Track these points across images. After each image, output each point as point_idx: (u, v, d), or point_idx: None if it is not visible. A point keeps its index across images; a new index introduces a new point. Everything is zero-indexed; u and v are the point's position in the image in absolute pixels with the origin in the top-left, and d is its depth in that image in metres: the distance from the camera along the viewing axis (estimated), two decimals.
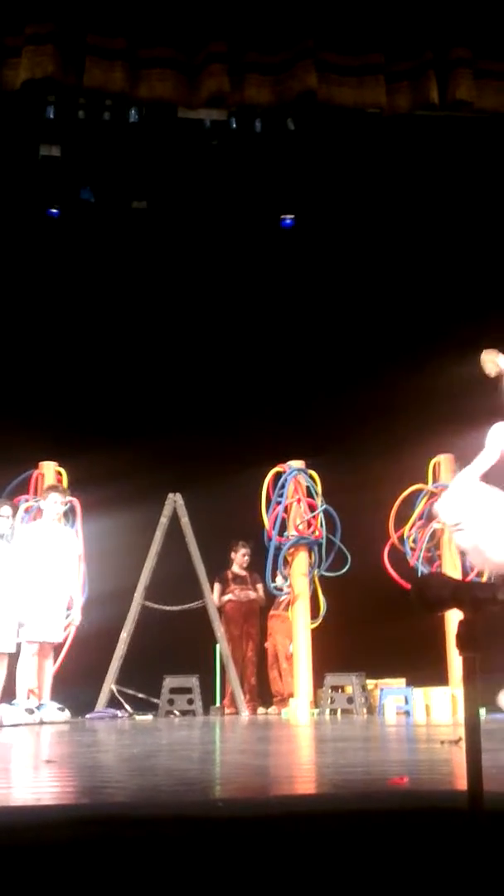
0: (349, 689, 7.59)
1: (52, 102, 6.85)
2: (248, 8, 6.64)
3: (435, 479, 8.24)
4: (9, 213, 7.91)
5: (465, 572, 7.87)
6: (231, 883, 1.86)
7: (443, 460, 8.23)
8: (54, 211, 8.27)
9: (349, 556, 8.01)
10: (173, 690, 7.74)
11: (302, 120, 7.02)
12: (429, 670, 7.60)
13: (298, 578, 7.98)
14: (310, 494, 8.19)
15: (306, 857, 1.89)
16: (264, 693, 8.54)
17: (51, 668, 7.02)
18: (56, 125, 6.99)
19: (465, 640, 1.68)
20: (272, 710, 8.31)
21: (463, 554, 7.87)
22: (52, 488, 7.36)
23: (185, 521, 8.10)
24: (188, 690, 7.73)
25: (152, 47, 6.58)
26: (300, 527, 8.04)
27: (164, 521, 8.12)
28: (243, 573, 8.65)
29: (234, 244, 8.61)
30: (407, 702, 7.35)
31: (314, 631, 7.96)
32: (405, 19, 6.74)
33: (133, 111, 6.87)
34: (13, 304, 8.38)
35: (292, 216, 8.45)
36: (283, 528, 8.09)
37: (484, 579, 7.64)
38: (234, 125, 6.97)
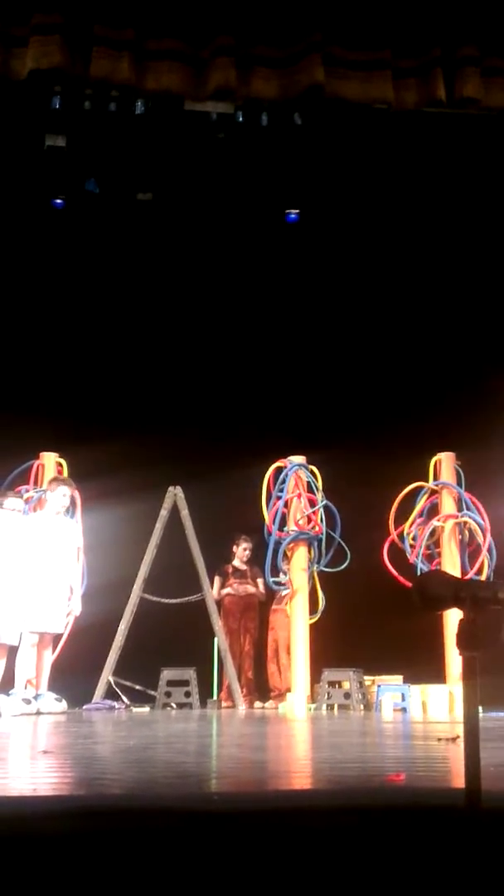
0: (346, 685, 7.60)
1: (58, 93, 6.81)
2: (256, 1, 6.61)
3: (436, 477, 8.24)
4: (14, 203, 7.88)
5: (464, 570, 7.88)
6: (226, 876, 1.83)
7: (444, 458, 8.23)
8: (59, 201, 8.25)
9: (349, 552, 8.01)
10: (171, 683, 7.74)
11: (309, 114, 6.98)
12: (426, 667, 7.60)
13: (298, 573, 7.99)
14: (310, 490, 8.19)
15: (302, 853, 1.87)
16: (261, 687, 8.54)
17: (49, 658, 7.00)
18: (62, 115, 6.96)
19: (466, 639, 1.67)
20: (269, 704, 8.32)
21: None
22: (62, 481, 7.31)
23: (185, 513, 8.09)
24: (185, 683, 7.73)
25: (160, 39, 6.57)
26: (300, 522, 8.04)
27: (164, 513, 8.11)
28: (243, 567, 8.65)
29: (238, 238, 8.58)
30: (404, 698, 7.36)
31: (312, 626, 7.96)
32: (413, 16, 6.72)
33: (139, 103, 6.84)
34: (16, 294, 8.37)
35: (297, 211, 8.43)
36: (284, 523, 8.09)
37: (483, 578, 7.66)
38: (241, 118, 6.93)
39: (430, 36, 6.73)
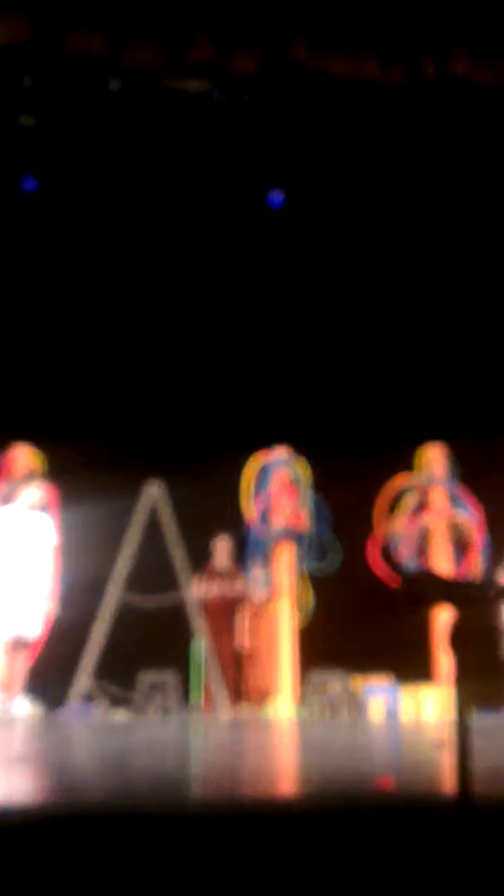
0: (333, 687, 7.50)
1: (29, 70, 6.63)
2: None
3: (423, 470, 8.19)
4: None
5: (455, 569, 7.83)
6: (205, 882, 1.81)
7: (432, 449, 8.18)
8: (31, 183, 8.07)
9: (336, 550, 7.94)
10: (150, 686, 7.61)
11: (291, 92, 6.86)
12: (414, 668, 7.51)
13: (282, 572, 7.93)
14: (295, 485, 8.14)
15: (286, 857, 1.84)
16: (244, 689, 8.42)
17: (23, 661, 6.86)
18: (34, 94, 6.79)
19: (458, 638, 1.64)
20: (247, 707, 8.19)
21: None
22: (35, 475, 7.18)
23: (165, 511, 7.94)
24: (165, 686, 7.60)
25: (136, 14, 6.41)
26: (285, 519, 8.00)
27: (143, 511, 7.94)
28: (226, 566, 8.51)
29: (219, 221, 8.46)
30: (392, 700, 7.29)
31: (298, 627, 7.89)
32: None
33: (115, 81, 6.69)
34: None
35: (281, 193, 8.32)
36: (267, 519, 8.05)
37: (475, 576, 7.61)
38: (221, 96, 6.80)
39: (418, 13, 6.61)
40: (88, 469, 7.76)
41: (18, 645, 6.78)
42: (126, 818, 1.91)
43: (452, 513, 7.98)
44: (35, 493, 7.04)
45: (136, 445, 8.20)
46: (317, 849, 1.83)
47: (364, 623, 7.50)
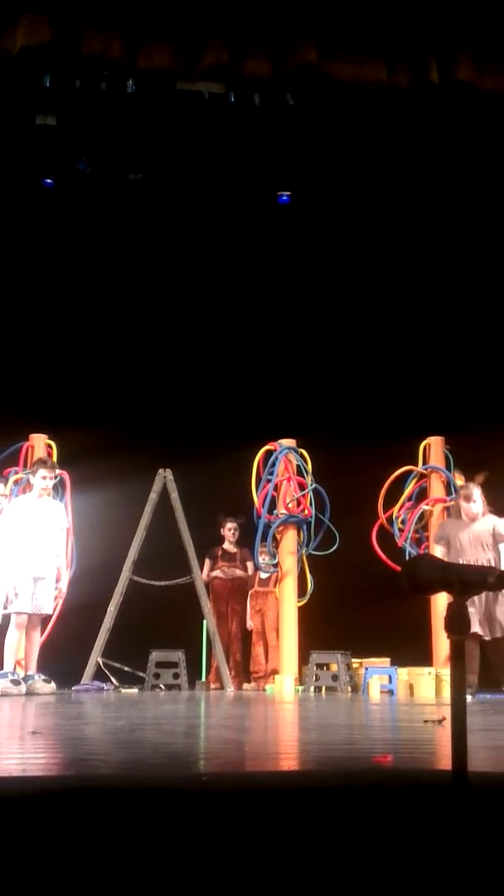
0: (334, 667, 7.63)
1: (48, 71, 6.72)
2: None
3: (425, 461, 8.26)
4: (3, 182, 7.81)
5: None
6: (213, 856, 1.86)
7: (433, 442, 8.25)
8: (49, 181, 8.18)
9: (338, 536, 8.04)
10: (159, 664, 7.77)
11: (301, 95, 6.93)
12: (413, 650, 7.63)
13: (287, 556, 8.02)
14: (300, 473, 8.22)
15: (288, 833, 1.89)
16: (249, 669, 8.58)
17: (38, 639, 7.02)
18: (53, 94, 6.88)
19: (454, 622, 1.68)
20: (251, 686, 8.35)
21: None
22: (43, 464, 7.24)
23: (174, 496, 8.09)
24: (174, 665, 7.76)
25: (152, 18, 6.48)
26: (290, 505, 8.07)
27: (153, 496, 8.10)
28: (233, 549, 8.65)
29: (229, 219, 8.53)
30: (391, 681, 7.40)
31: (301, 609, 8.01)
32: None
33: (131, 82, 6.77)
34: (5, 274, 8.30)
35: (289, 193, 8.39)
36: (273, 506, 8.12)
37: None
38: (233, 99, 6.87)
39: (424, 19, 6.66)
40: (103, 457, 7.88)
41: (34, 623, 6.95)
42: (135, 791, 1.95)
43: (450, 500, 8.08)
44: (41, 481, 7.13)
45: (150, 435, 8.35)
46: (317, 822, 1.88)
47: (364, 606, 7.63)
